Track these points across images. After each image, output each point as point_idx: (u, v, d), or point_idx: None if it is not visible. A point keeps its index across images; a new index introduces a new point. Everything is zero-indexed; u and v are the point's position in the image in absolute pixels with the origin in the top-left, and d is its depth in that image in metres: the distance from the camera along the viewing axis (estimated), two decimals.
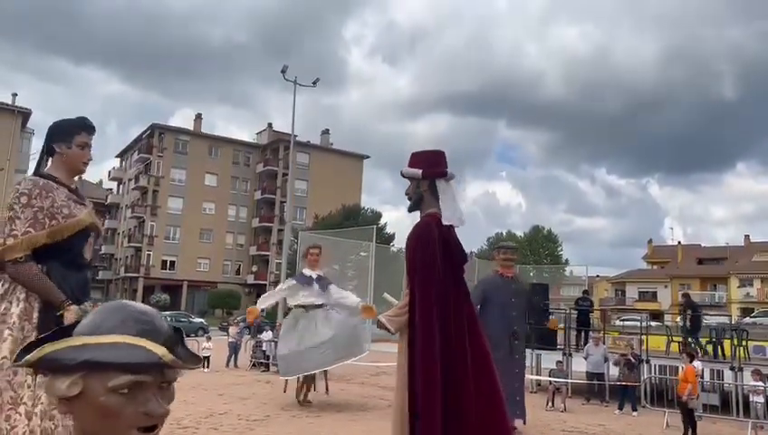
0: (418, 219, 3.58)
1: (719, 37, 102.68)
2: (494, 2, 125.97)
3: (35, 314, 2.60)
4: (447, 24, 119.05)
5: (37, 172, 2.85)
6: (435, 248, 3.33)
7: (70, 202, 2.79)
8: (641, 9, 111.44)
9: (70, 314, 2.63)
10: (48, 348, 0.95)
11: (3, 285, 2.58)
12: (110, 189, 68.86)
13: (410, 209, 3.63)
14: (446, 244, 3.40)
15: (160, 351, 0.95)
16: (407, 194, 3.60)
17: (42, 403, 2.50)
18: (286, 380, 8.99)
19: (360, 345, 8.63)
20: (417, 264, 3.34)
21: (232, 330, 16.77)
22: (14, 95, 41.78)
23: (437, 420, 3.03)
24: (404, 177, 3.60)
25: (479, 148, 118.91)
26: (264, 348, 15.21)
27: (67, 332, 1.01)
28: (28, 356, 0.96)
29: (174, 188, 56.42)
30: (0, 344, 2.47)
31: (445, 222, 3.42)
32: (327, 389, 9.47)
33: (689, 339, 13.70)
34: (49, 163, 2.87)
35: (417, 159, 3.58)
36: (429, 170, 3.50)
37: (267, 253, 56.94)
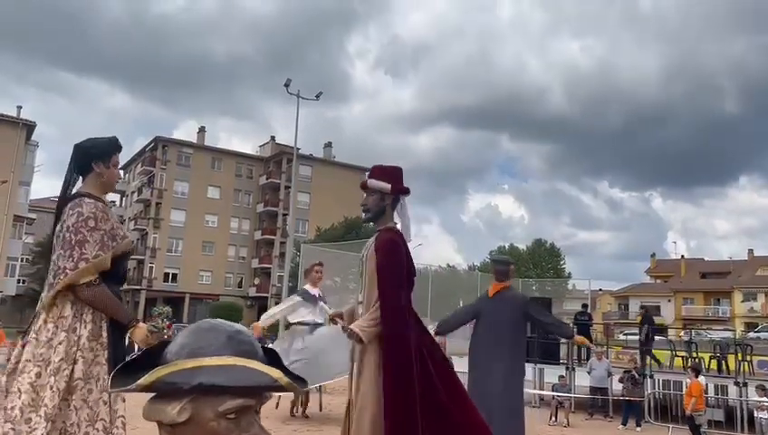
0: (377, 231, 3.63)
1: (721, 51, 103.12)
2: (497, 16, 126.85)
3: (104, 334, 2.65)
4: (450, 38, 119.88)
5: (67, 190, 2.85)
6: (404, 262, 3.43)
7: (117, 222, 2.87)
8: (643, 23, 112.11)
9: (140, 332, 2.73)
10: (162, 371, 0.89)
11: (71, 308, 2.61)
12: (113, 202, 69.01)
13: (368, 221, 3.73)
14: (408, 258, 3.50)
15: (275, 373, 0.92)
16: (364, 205, 3.64)
17: (120, 417, 2.61)
18: (279, 395, 8.93)
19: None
20: (390, 277, 3.38)
21: None
22: (19, 108, 41.94)
23: (418, 425, 3.10)
24: (367, 188, 3.62)
25: (481, 161, 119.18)
26: None
27: (155, 354, 0.96)
28: (141, 380, 0.89)
29: (177, 201, 56.54)
30: (73, 366, 2.52)
31: (407, 238, 3.53)
32: (321, 406, 9.41)
33: (643, 351, 13.87)
34: (79, 182, 2.88)
35: (384, 173, 3.64)
36: (397, 186, 3.60)
37: (269, 265, 56.90)
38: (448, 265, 50.45)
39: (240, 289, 58.33)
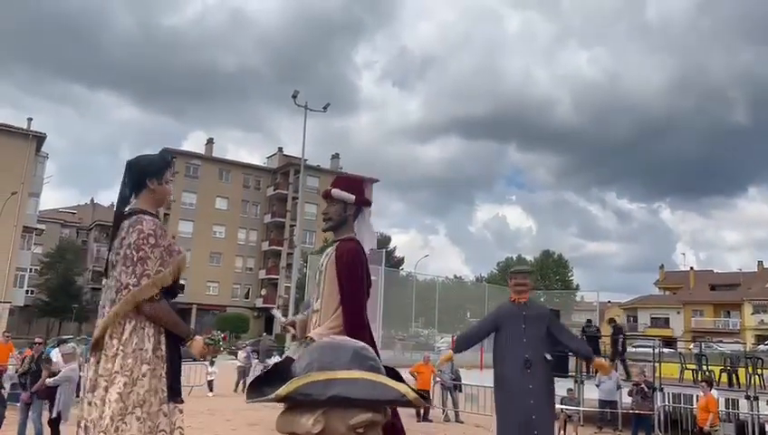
0: (339, 241, 3.66)
1: (730, 62, 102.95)
2: (504, 27, 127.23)
3: (162, 348, 2.73)
4: (458, 49, 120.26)
5: (123, 207, 2.90)
6: (364, 273, 3.48)
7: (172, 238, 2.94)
8: (651, 34, 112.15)
9: (198, 344, 2.86)
10: (298, 382, 0.91)
11: (130, 322, 2.67)
12: None
13: (328, 230, 3.76)
14: (367, 269, 3.56)
15: (402, 388, 0.93)
16: (326, 214, 3.68)
17: (179, 428, 2.69)
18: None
19: None
20: (352, 286, 3.42)
21: (240, 354, 16.69)
22: (30, 120, 42.30)
23: None
24: (331, 197, 3.64)
25: (489, 171, 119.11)
26: None
27: (282, 369, 0.98)
28: (279, 390, 0.91)
29: (184, 212, 56.74)
30: (141, 379, 2.60)
31: (367, 249, 3.58)
32: None
33: (615, 360, 13.94)
34: (132, 198, 2.93)
35: (349, 184, 3.70)
36: (361, 198, 3.65)
37: (276, 276, 56.93)
38: (455, 277, 50.46)
39: (247, 300, 58.34)
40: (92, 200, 77.05)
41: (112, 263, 2.76)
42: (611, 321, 17.26)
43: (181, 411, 2.75)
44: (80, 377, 12.41)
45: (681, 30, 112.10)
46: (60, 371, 8.49)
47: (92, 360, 2.69)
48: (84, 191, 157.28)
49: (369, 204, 3.73)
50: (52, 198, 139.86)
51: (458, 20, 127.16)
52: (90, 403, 2.58)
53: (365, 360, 0.95)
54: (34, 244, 47.48)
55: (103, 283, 2.92)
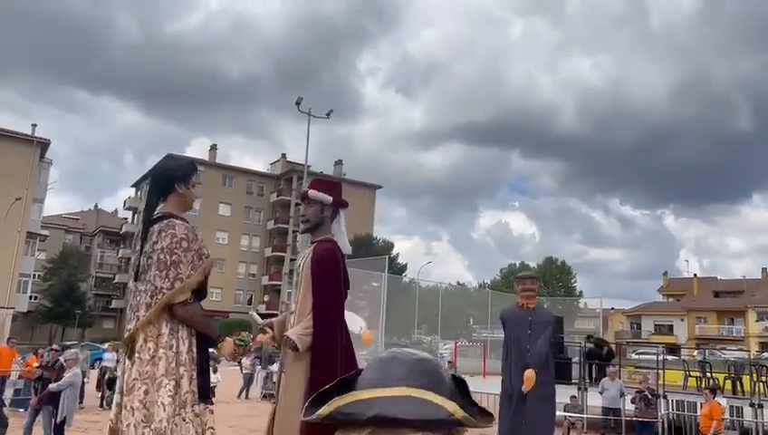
0: (315, 243, 3.69)
1: (733, 69, 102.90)
2: (507, 33, 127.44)
3: (193, 350, 2.77)
4: (461, 56, 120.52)
5: (151, 211, 2.93)
6: (341, 274, 3.50)
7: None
8: (654, 41, 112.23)
9: (228, 346, 2.96)
10: (337, 402, 0.89)
11: (166, 326, 2.71)
12: (126, 219, 69.49)
13: (305, 231, 3.78)
14: (344, 271, 3.57)
15: (450, 407, 0.87)
16: (303, 215, 3.72)
17: (210, 429, 2.75)
18: None
19: None
20: (328, 288, 3.43)
21: (245, 361, 16.66)
22: (34, 126, 42.56)
23: None
24: (308, 199, 3.67)
25: (492, 178, 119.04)
26: (275, 380, 15.06)
27: (348, 383, 0.95)
28: (320, 410, 0.90)
29: (188, 218, 56.56)
30: (180, 381, 2.65)
31: (344, 251, 3.59)
32: None
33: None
34: (160, 203, 2.97)
35: (326, 186, 3.76)
36: (338, 199, 3.69)
37: (279, 283, 56.89)
38: (458, 283, 50.39)
39: (249, 306, 58.32)
40: (96, 206, 77.36)
41: (144, 267, 2.78)
42: (590, 337, 17.55)
43: (212, 412, 2.81)
44: (83, 383, 12.47)
45: (684, 37, 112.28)
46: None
47: (126, 363, 2.71)
48: (88, 197, 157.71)
49: (345, 205, 3.76)
50: (56, 203, 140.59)
51: (462, 27, 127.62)
52: (125, 407, 2.60)
53: (420, 375, 0.90)
54: (38, 250, 47.56)
55: (130, 285, 2.95)
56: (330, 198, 3.65)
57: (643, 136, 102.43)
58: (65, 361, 9.28)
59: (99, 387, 15.03)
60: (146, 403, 2.58)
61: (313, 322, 3.34)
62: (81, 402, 12.28)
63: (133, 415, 2.55)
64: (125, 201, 70.01)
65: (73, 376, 8.56)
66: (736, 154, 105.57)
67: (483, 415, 0.92)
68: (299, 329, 3.33)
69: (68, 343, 31.38)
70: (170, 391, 2.60)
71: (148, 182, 2.98)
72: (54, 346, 11.24)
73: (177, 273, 2.71)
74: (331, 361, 3.28)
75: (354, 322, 8.30)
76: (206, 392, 2.79)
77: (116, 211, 75.52)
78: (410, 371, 0.90)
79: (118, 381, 2.74)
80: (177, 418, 2.59)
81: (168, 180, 2.94)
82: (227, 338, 2.96)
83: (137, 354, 2.66)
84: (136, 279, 2.83)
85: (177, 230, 2.78)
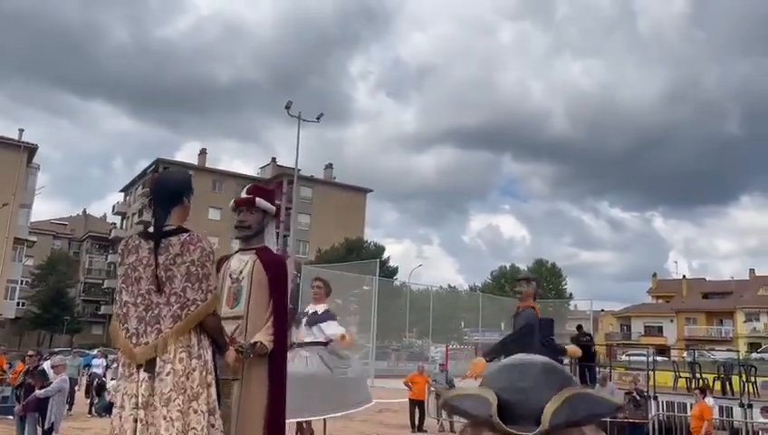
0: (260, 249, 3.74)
1: (722, 71, 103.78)
2: (499, 38, 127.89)
3: (214, 358, 2.93)
4: (452, 60, 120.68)
5: (160, 223, 2.93)
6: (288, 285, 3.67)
7: None
8: (645, 45, 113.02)
9: (232, 353, 3.12)
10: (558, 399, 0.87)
11: (195, 336, 2.81)
12: (114, 224, 69.05)
13: (245, 238, 3.73)
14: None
15: (617, 400, 0.90)
16: (243, 221, 3.65)
17: (219, 430, 2.84)
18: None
19: (359, 394, 7.07)
20: (285, 296, 3.57)
21: None
22: (21, 130, 42.13)
23: None
24: (253, 205, 3.63)
25: (483, 181, 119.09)
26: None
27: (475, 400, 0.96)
28: (540, 428, 0.83)
29: None
30: (209, 389, 2.78)
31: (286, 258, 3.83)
32: (325, 431, 9.22)
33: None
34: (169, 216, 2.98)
35: (269, 195, 3.79)
36: (277, 209, 3.79)
37: None
38: (449, 287, 50.44)
39: None
40: (84, 212, 76.78)
41: (161, 279, 2.78)
42: (579, 327, 17.63)
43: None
44: (73, 390, 12.37)
45: (675, 41, 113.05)
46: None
47: (142, 375, 2.71)
48: (76, 202, 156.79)
49: (276, 215, 3.86)
50: (44, 209, 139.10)
51: (453, 31, 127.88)
52: (165, 418, 2.63)
53: (500, 376, 0.92)
54: (26, 255, 47.19)
55: (124, 297, 2.88)
56: (273, 208, 3.73)
57: (633, 139, 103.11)
58: (53, 367, 9.20)
59: (87, 394, 14.91)
60: (184, 413, 2.67)
61: (273, 329, 3.39)
62: (69, 409, 12.18)
63: (174, 425, 2.64)
64: (114, 206, 69.55)
65: (61, 382, 8.49)
66: (725, 156, 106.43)
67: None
68: (264, 335, 3.35)
69: (56, 349, 31.11)
70: (206, 399, 2.73)
71: (155, 194, 3.00)
72: (30, 352, 11.07)
73: (208, 285, 2.82)
74: (284, 364, 3.51)
75: (330, 327, 7.98)
76: (220, 399, 2.90)
77: (105, 216, 75.01)
78: (501, 371, 0.93)
79: (131, 399, 2.70)
80: (208, 425, 2.72)
81: (179, 194, 3.01)
82: (232, 346, 3.13)
83: (170, 366, 2.70)
84: (159, 291, 2.79)
85: (204, 244, 2.90)
